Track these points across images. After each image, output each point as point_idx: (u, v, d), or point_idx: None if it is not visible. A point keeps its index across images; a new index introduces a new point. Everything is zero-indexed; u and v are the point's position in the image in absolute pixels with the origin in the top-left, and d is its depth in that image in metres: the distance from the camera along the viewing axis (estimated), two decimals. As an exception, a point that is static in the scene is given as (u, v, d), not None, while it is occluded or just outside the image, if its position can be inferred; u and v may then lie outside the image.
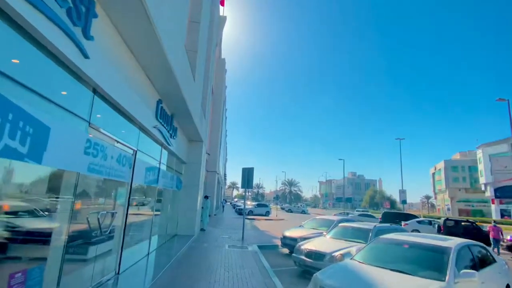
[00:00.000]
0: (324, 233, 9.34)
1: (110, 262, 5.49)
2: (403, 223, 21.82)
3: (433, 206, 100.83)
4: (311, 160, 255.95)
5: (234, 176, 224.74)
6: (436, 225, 19.04)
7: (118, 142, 5.16)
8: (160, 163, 8.09)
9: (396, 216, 24.13)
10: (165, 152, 8.80)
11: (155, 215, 8.90)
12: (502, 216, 53.65)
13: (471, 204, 72.25)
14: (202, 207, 14.71)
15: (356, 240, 7.98)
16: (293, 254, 7.99)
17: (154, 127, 6.70)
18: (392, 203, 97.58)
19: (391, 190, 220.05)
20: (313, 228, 11.04)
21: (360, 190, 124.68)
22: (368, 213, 31.01)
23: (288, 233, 10.69)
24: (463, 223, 18.06)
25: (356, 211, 30.56)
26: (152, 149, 7.37)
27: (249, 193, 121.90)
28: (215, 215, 26.98)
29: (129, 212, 6.01)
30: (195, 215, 11.93)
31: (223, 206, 43.84)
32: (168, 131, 7.96)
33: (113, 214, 5.25)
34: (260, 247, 11.16)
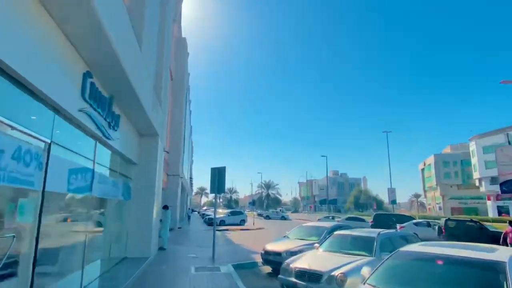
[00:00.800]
0: (316, 244, 8.47)
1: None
2: (398, 226, 21.77)
3: (423, 205, 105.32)
4: (289, 159, 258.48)
5: (202, 180, 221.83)
6: (437, 227, 19.05)
7: (14, 128, 3.84)
8: (94, 162, 6.73)
9: (389, 218, 24.16)
10: (102, 148, 7.43)
11: (94, 233, 7.57)
12: (500, 213, 56.15)
13: (464, 201, 74.94)
14: (161, 220, 13.36)
15: (358, 253, 7.19)
16: (280, 276, 7.02)
17: (81, 111, 5.37)
18: (379, 203, 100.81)
19: (377, 189, 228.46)
20: (301, 239, 10.20)
21: (344, 191, 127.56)
22: (357, 216, 30.96)
23: (270, 247, 9.75)
24: (467, 223, 18.18)
25: (348, 217, 30.28)
26: (80, 143, 6.02)
27: (221, 200, 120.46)
28: (179, 228, 25.51)
29: (54, 231, 4.68)
30: (151, 231, 10.60)
31: (189, 217, 42.11)
32: (105, 119, 6.63)
33: (13, 238, 3.92)
34: (236, 266, 10.10)
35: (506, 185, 34.00)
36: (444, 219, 19.03)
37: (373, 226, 24.10)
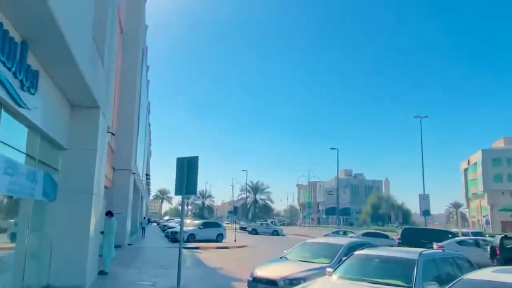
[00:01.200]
0: (329, 269, 8.02)
1: None
2: (435, 245, 21.72)
3: (464, 218, 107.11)
4: (285, 156, 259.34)
5: (163, 181, 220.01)
6: (488, 247, 19.03)
7: None
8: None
9: (423, 235, 24.13)
10: (11, 120, 6.75)
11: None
12: None
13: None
14: (102, 232, 12.74)
15: (391, 282, 6.77)
16: None
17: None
18: (405, 215, 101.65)
19: (402, 196, 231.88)
20: (305, 261, 9.77)
21: (359, 197, 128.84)
22: (378, 232, 30.84)
23: (261, 272, 9.27)
24: None
25: (366, 232, 29.96)
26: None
27: (190, 206, 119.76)
28: (129, 245, 24.92)
29: None
30: (86, 248, 9.94)
31: (144, 229, 41.41)
32: (15, 75, 5.93)
33: None
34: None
35: None
36: (500, 236, 19.01)
37: (400, 245, 24.04)
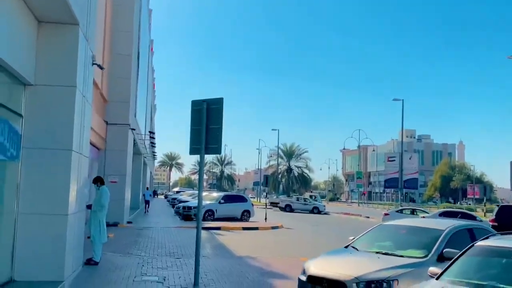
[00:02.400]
0: (432, 269, 6.53)
1: None
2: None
3: None
4: (324, 114, 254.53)
5: (170, 144, 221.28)
6: None
7: None
8: None
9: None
10: None
11: None
12: None
13: None
14: (90, 207, 11.59)
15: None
16: None
17: None
18: (484, 188, 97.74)
19: (482, 165, 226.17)
20: (385, 253, 8.29)
21: (425, 166, 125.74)
22: (461, 211, 28.89)
23: (320, 269, 7.86)
24: None
25: (444, 211, 28.06)
26: None
27: (208, 176, 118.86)
28: (129, 222, 24.12)
29: None
30: (64, 229, 8.72)
31: (148, 203, 40.72)
32: None
33: None
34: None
35: None
36: None
37: (496, 228, 22.40)
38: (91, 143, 18.89)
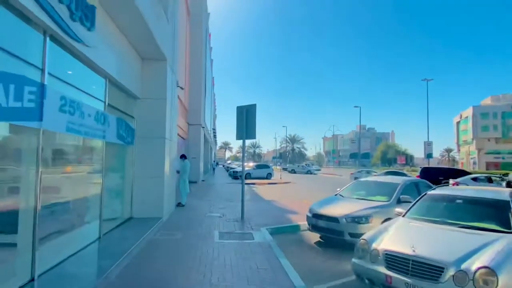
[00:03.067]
0: (398, 210, 5.60)
1: None
2: (451, 181, 18.66)
3: (454, 160, 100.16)
4: (312, 116, 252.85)
5: (225, 135, 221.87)
6: (505, 182, 15.81)
7: None
8: (45, 72, 4.00)
9: (439, 173, 20.93)
10: (65, 56, 4.67)
11: (88, 188, 5.84)
12: None
13: (501, 156, 71.04)
14: (178, 172, 10.97)
15: (486, 226, 4.28)
16: (355, 261, 4.27)
17: None
18: (408, 158, 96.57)
19: (405, 144, 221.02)
20: (362, 198, 7.42)
21: (371, 145, 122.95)
22: (397, 171, 27.69)
23: (321, 209, 7.05)
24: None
25: (387, 171, 26.89)
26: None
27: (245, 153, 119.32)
28: (203, 181, 23.62)
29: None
30: (162, 186, 8.14)
31: (214, 169, 40.72)
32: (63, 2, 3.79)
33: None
34: (272, 231, 7.63)
35: None
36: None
37: (419, 181, 21.07)
38: (179, 135, 18.32)
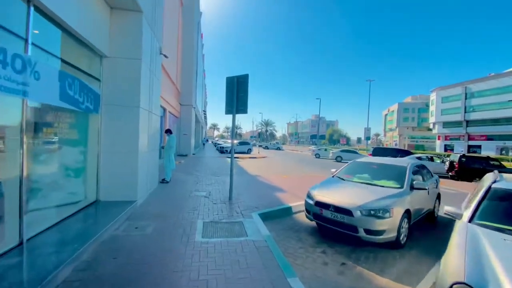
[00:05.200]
0: (452, 208, 3.05)
1: None
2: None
3: (380, 142, 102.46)
4: (281, 104, 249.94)
5: (213, 118, 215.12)
6: (448, 162, 14.02)
7: None
8: (28, 43, 0.81)
9: (388, 152, 19.12)
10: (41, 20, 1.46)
11: (41, 163, 2.61)
12: (445, 150, 53.65)
13: (415, 140, 72.88)
14: (162, 147, 7.91)
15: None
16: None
17: None
18: (347, 140, 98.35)
19: (346, 129, 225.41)
20: (367, 183, 4.74)
21: (321, 129, 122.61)
22: (351, 149, 25.87)
23: (327, 197, 4.24)
24: (483, 161, 13.13)
25: (343, 149, 24.88)
26: None
27: (227, 133, 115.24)
28: (193, 154, 20.46)
29: None
30: (136, 163, 5.12)
31: (204, 144, 37.39)
32: None
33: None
34: (264, 216, 4.95)
35: None
36: (459, 155, 13.88)
37: (372, 159, 19.15)
38: (172, 114, 14.92)
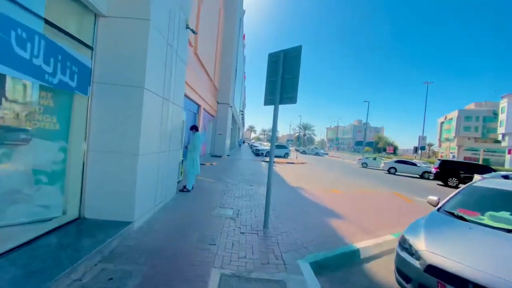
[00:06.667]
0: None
1: None
2: (478, 176, 13.19)
3: (434, 153, 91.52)
4: (318, 109, 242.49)
5: (251, 121, 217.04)
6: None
7: None
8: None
9: (459, 167, 15.40)
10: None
11: None
12: None
13: (478, 153, 62.86)
14: (186, 147, 6.43)
15: None
16: None
17: None
18: (395, 148, 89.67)
19: (393, 137, 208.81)
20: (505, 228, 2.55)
21: (367, 136, 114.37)
22: (408, 160, 21.76)
23: (451, 261, 2.18)
24: None
25: (398, 159, 20.71)
26: None
27: (264, 135, 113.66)
28: (228, 156, 19.20)
29: None
30: (134, 168, 3.51)
31: (240, 145, 36.42)
32: None
33: None
34: (319, 267, 2.97)
35: None
36: None
37: (438, 175, 15.60)
38: (207, 111, 13.74)
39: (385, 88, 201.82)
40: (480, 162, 53.15)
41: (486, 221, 2.83)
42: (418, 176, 19.14)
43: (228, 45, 17.09)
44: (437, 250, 2.37)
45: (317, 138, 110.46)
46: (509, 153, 49.49)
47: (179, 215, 4.39)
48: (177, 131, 5.24)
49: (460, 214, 3.04)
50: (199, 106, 11.23)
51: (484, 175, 13.23)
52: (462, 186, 15.21)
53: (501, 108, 53.00)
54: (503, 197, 3.14)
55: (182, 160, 6.65)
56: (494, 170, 14.70)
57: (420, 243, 2.51)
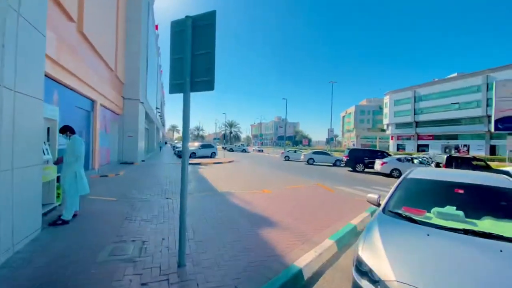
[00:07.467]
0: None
1: None
2: (379, 161, 15.39)
3: (339, 143, 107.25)
4: (245, 107, 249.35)
5: (173, 120, 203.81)
6: (434, 163, 12.78)
7: None
8: None
9: (364, 154, 17.70)
10: None
11: None
12: (398, 149, 57.16)
13: (370, 140, 76.98)
14: (60, 160, 4.46)
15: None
16: None
17: None
18: (309, 141, 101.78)
19: (307, 130, 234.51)
20: (472, 230, 2.22)
21: (286, 131, 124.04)
22: (323, 150, 24.09)
23: None
24: (472, 162, 12.10)
25: (315, 150, 22.69)
26: None
27: (190, 135, 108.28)
28: (142, 161, 16.53)
29: None
30: None
31: (161, 148, 32.87)
32: None
33: None
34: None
35: (501, 122, 28.89)
36: (446, 155, 12.72)
37: (348, 162, 17.52)
38: (108, 108, 11.08)
39: (300, 85, 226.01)
40: (377, 148, 65.11)
41: (435, 220, 2.50)
42: (331, 164, 21.32)
43: (133, 32, 14.42)
44: (408, 279, 1.78)
45: (243, 135, 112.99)
46: (391, 139, 62.19)
47: (34, 272, 2.68)
48: (31, 137, 3.36)
49: (407, 214, 2.66)
50: (93, 101, 8.75)
51: (384, 159, 15.52)
52: (367, 170, 17.75)
53: (385, 103, 66.17)
54: (441, 189, 2.94)
55: (58, 177, 4.63)
56: (390, 155, 17.50)
57: (385, 269, 1.88)
